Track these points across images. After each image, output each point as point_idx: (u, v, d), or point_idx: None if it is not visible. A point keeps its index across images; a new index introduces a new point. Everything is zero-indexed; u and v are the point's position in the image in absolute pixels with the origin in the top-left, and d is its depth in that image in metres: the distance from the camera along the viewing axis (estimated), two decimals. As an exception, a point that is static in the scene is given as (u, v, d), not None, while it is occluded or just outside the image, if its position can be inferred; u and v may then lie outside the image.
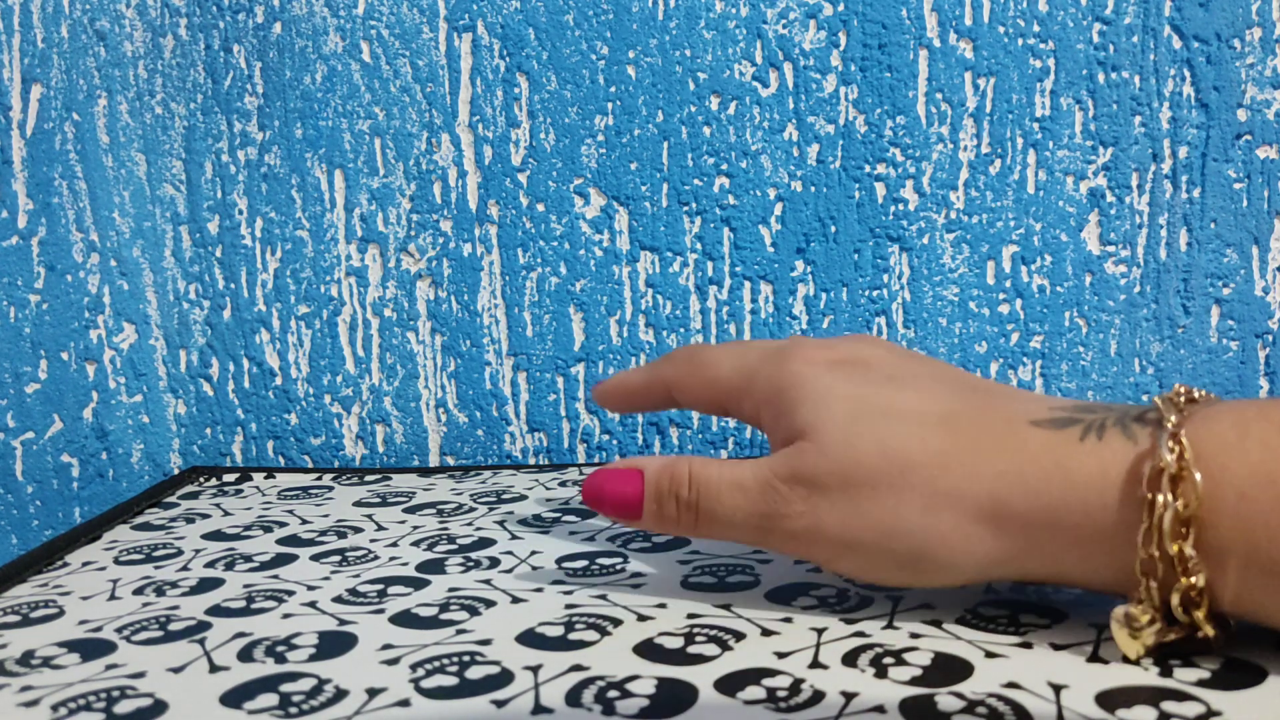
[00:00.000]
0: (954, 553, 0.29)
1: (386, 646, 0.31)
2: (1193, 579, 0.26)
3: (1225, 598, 0.26)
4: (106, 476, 0.62)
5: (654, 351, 0.60)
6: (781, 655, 0.29)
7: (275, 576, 0.39)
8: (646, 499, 0.33)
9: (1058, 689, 0.26)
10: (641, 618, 0.33)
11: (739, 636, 0.31)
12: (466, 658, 0.30)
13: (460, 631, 0.32)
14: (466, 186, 0.59)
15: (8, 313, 0.60)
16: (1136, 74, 0.56)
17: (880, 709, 0.26)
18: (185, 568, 0.40)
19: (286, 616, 0.34)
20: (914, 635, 0.30)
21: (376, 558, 0.40)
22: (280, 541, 0.43)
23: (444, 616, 0.34)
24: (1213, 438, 0.26)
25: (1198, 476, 0.26)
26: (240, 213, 0.60)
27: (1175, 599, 0.26)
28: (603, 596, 0.35)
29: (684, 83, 0.58)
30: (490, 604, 0.35)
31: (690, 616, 0.33)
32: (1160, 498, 0.26)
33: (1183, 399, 0.28)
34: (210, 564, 0.40)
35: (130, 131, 0.60)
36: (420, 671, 0.29)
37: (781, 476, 0.31)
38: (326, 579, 0.38)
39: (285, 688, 0.28)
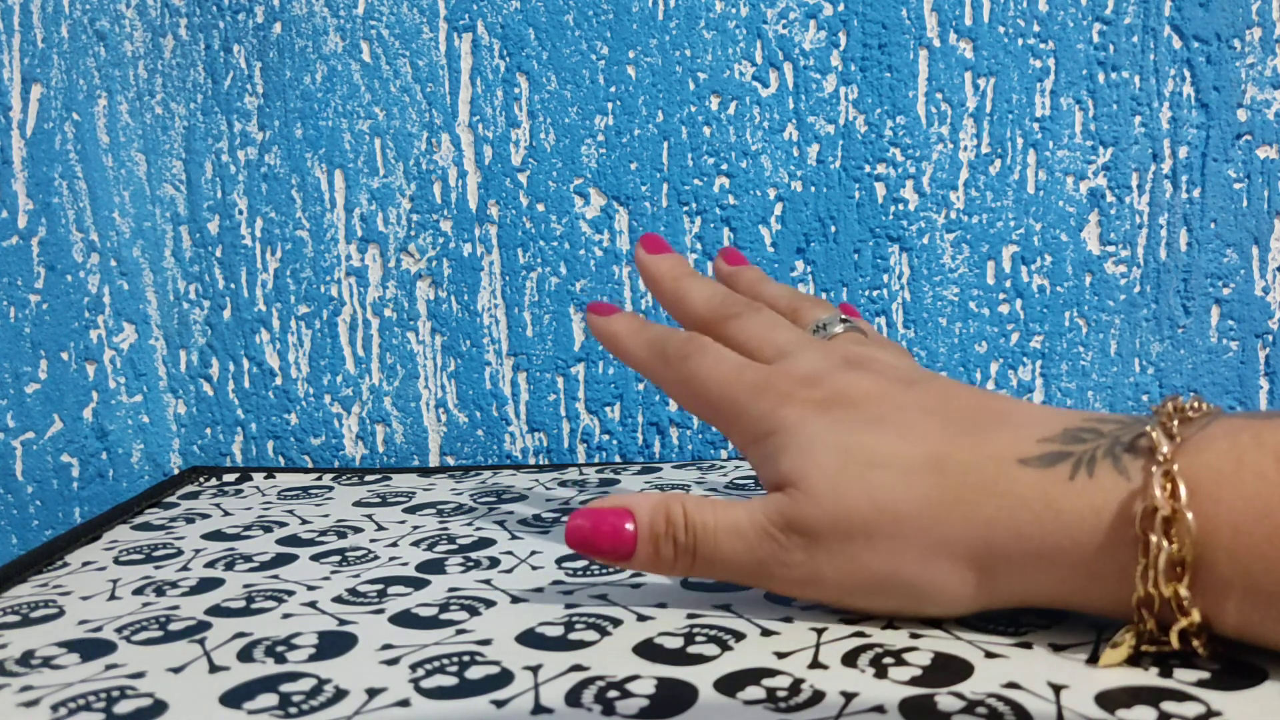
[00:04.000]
0: (953, 596, 0.30)
1: (386, 646, 0.31)
2: (1190, 617, 0.26)
3: (1227, 627, 0.26)
4: (106, 476, 0.62)
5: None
6: (781, 655, 0.29)
7: (275, 576, 0.39)
8: (641, 541, 0.32)
9: (1057, 689, 0.26)
10: (641, 618, 0.33)
11: (739, 636, 0.31)
12: (466, 658, 0.30)
13: (460, 631, 0.32)
14: (466, 186, 0.60)
15: (8, 313, 0.60)
16: (1136, 74, 0.56)
17: (880, 709, 0.26)
18: (185, 568, 0.40)
19: (286, 616, 0.34)
20: (914, 635, 0.30)
21: (376, 558, 0.40)
22: (280, 541, 0.43)
23: (444, 616, 0.34)
24: (1206, 469, 0.26)
25: (1190, 516, 0.25)
26: (240, 213, 0.60)
27: (1174, 633, 0.26)
28: (603, 596, 0.35)
29: (684, 83, 0.58)
30: (490, 604, 0.35)
31: (690, 616, 0.33)
32: (1154, 539, 0.26)
33: (1175, 421, 0.27)
34: (210, 564, 0.40)
35: (130, 131, 0.60)
36: (420, 671, 0.29)
37: (777, 524, 0.31)
38: (326, 579, 0.38)
39: (285, 688, 0.28)
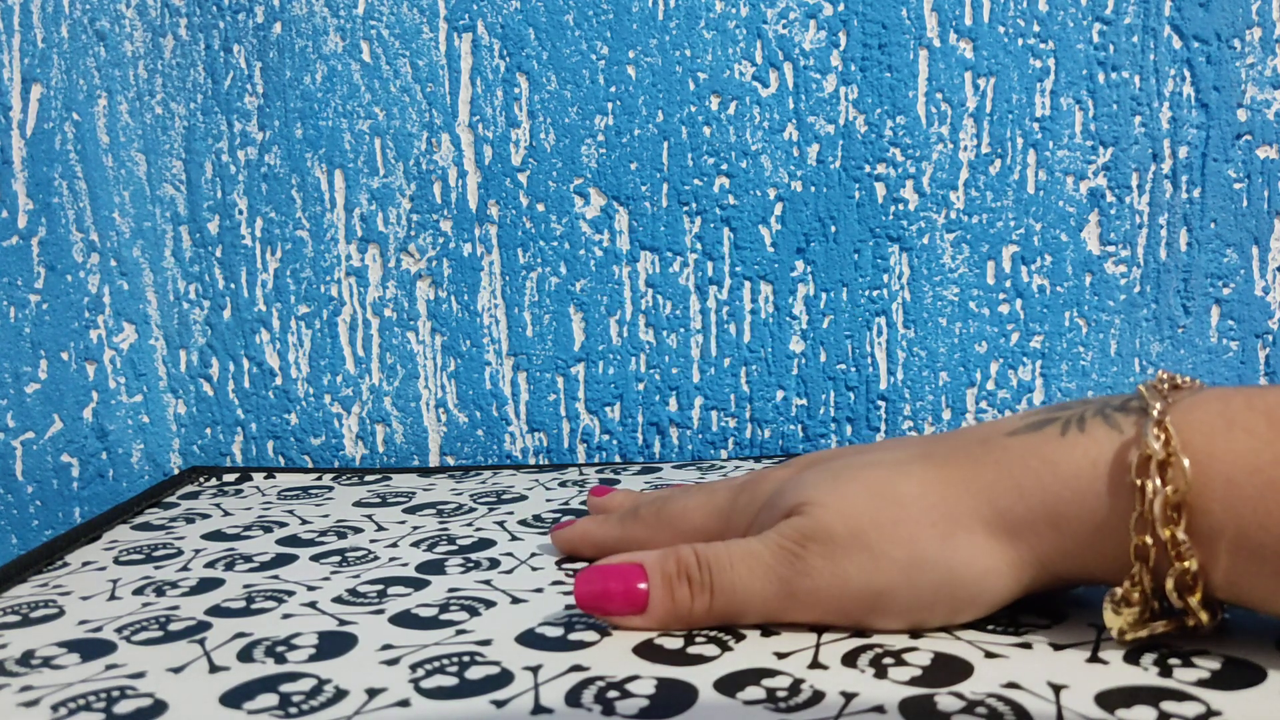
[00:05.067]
0: (982, 575, 0.29)
1: (386, 647, 0.31)
2: (1186, 564, 0.26)
3: (1216, 582, 0.27)
4: (106, 476, 0.62)
5: (654, 351, 0.60)
6: (781, 655, 0.29)
7: (275, 577, 0.39)
8: (653, 588, 0.31)
9: (1057, 689, 0.26)
10: (641, 618, 0.33)
11: (739, 636, 0.31)
12: (466, 658, 0.30)
13: (460, 632, 0.32)
14: (466, 186, 0.60)
15: (8, 313, 0.60)
16: (1136, 74, 0.56)
17: (880, 709, 0.26)
18: (185, 568, 0.40)
19: (286, 617, 0.34)
20: (913, 635, 0.30)
21: (376, 558, 0.40)
22: (280, 542, 0.43)
23: (444, 617, 0.34)
24: (1198, 425, 0.26)
25: (1185, 462, 0.26)
26: (240, 213, 0.60)
27: (1170, 584, 0.27)
28: (603, 596, 0.35)
29: (684, 83, 0.58)
30: (490, 604, 0.35)
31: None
32: (1149, 484, 0.26)
33: (1166, 385, 0.28)
34: (210, 564, 0.40)
35: (130, 131, 0.60)
36: (420, 672, 0.29)
37: (793, 539, 0.30)
38: (326, 579, 0.38)
39: (285, 688, 0.28)
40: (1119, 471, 0.27)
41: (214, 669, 0.30)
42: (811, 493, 0.31)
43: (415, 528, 0.45)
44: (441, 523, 0.45)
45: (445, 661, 0.30)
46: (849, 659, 0.29)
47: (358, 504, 0.49)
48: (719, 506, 0.37)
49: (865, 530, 0.30)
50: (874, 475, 0.31)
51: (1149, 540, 0.26)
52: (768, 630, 0.31)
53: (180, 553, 0.42)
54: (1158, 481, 0.26)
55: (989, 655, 0.29)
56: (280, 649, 0.31)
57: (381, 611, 0.34)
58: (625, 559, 0.32)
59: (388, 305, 0.61)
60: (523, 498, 0.49)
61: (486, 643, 0.31)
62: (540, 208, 0.59)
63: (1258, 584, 0.26)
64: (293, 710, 0.27)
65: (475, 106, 0.59)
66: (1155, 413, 0.27)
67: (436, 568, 0.39)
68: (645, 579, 0.31)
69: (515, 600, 0.35)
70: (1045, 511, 0.28)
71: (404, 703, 0.27)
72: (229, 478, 0.56)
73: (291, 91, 0.59)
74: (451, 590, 0.36)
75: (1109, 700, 0.26)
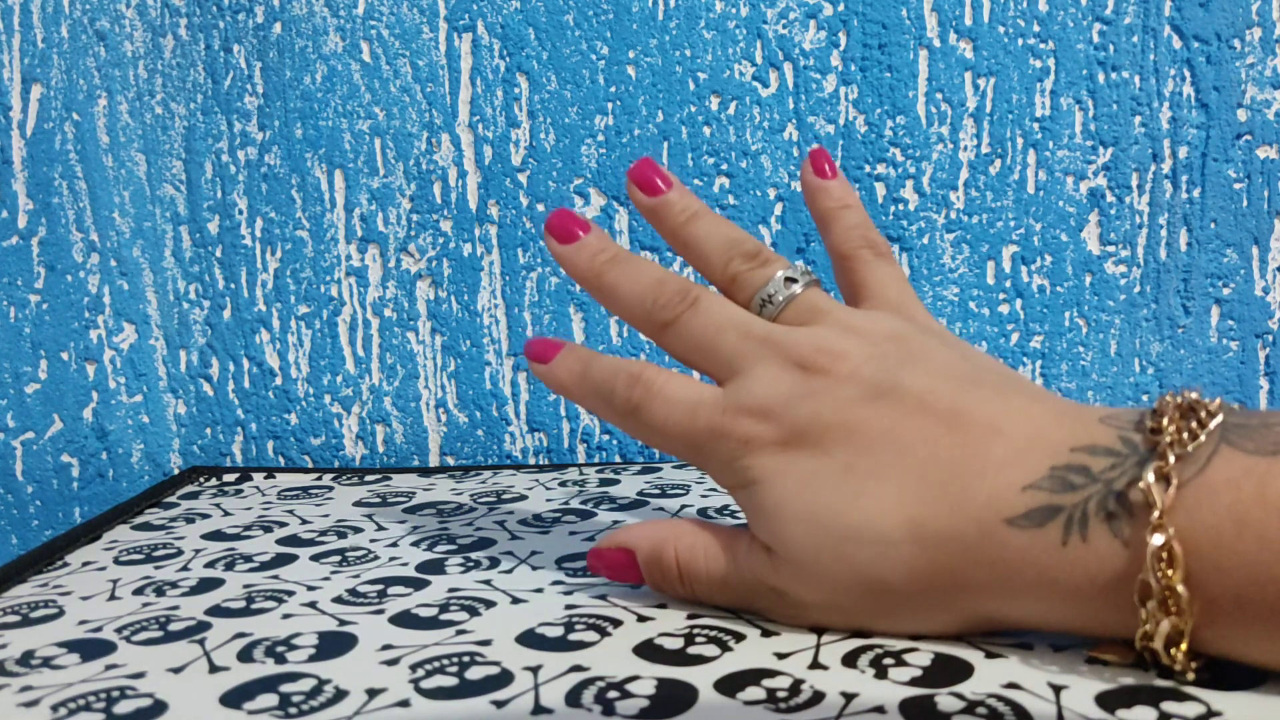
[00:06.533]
0: (947, 633, 0.30)
1: (386, 647, 0.31)
2: (1190, 672, 0.26)
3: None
4: (106, 476, 0.62)
5: (654, 352, 0.60)
6: (781, 656, 0.29)
7: (275, 577, 0.38)
8: (647, 580, 0.35)
9: (1058, 689, 0.26)
10: (641, 618, 0.33)
11: (739, 637, 0.31)
12: (466, 658, 0.30)
13: (460, 632, 0.32)
14: (466, 186, 0.60)
15: (8, 313, 0.60)
16: (1136, 74, 0.56)
17: (880, 709, 0.26)
18: (185, 568, 0.40)
19: (286, 617, 0.34)
20: (914, 636, 0.30)
21: (376, 558, 0.40)
22: (280, 541, 0.43)
23: (444, 617, 0.34)
24: (1206, 531, 0.25)
25: (1185, 595, 0.25)
26: (240, 213, 0.60)
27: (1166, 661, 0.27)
28: (603, 597, 0.35)
29: (684, 83, 0.58)
30: (490, 604, 0.35)
31: (690, 617, 0.33)
32: (1153, 612, 0.25)
33: (1172, 456, 0.26)
34: (210, 564, 0.40)
35: (130, 131, 0.60)
36: (420, 672, 0.29)
37: (769, 584, 0.31)
38: (326, 579, 0.38)
39: (285, 688, 0.28)
40: (1122, 589, 0.26)
41: (214, 669, 0.30)
42: (789, 555, 0.30)
43: (415, 527, 0.45)
44: (441, 522, 0.45)
45: (445, 661, 0.30)
46: (849, 659, 0.29)
47: (358, 504, 0.49)
48: (698, 426, 0.33)
49: (846, 602, 0.30)
50: (861, 558, 0.29)
51: (1151, 649, 0.26)
52: (768, 630, 0.31)
53: (180, 553, 0.42)
54: (1158, 617, 0.25)
55: (989, 655, 0.29)
56: (280, 649, 0.31)
57: (381, 611, 0.34)
58: (621, 541, 0.35)
59: (388, 305, 0.61)
60: (523, 498, 0.49)
61: (486, 643, 0.31)
62: (540, 208, 0.59)
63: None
64: (293, 710, 0.27)
65: (475, 106, 0.59)
66: (1158, 516, 0.25)
67: (436, 567, 0.39)
68: (639, 570, 0.35)
69: (515, 600, 0.35)
70: (1037, 620, 0.28)
71: (404, 703, 0.27)
72: (229, 478, 0.56)
73: (291, 91, 0.59)
74: (451, 590, 0.36)
75: (1109, 700, 0.26)
